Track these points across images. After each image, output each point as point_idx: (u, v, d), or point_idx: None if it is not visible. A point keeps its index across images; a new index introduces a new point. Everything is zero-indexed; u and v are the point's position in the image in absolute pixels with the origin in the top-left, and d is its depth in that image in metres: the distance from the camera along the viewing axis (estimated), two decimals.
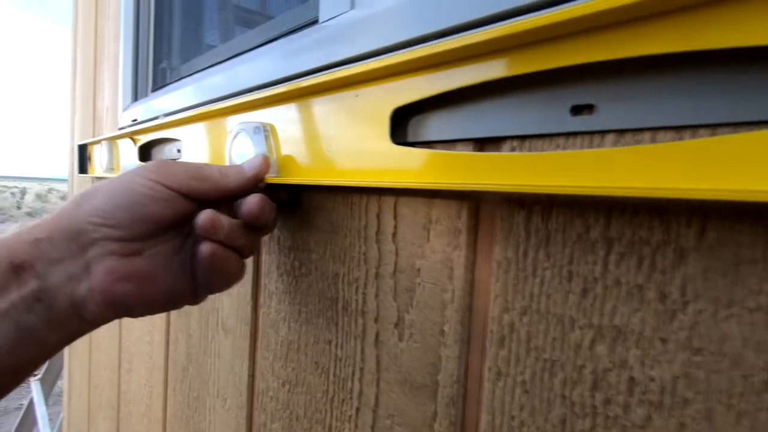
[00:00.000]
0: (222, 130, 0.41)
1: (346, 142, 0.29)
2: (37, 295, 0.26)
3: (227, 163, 0.38)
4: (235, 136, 0.37)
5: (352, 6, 0.30)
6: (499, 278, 0.24)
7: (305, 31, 0.37)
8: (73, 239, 0.27)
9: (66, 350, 1.40)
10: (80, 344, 1.18)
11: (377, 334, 0.31)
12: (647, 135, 0.18)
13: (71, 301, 0.27)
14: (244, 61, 0.46)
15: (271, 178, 0.34)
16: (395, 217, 0.30)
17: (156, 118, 0.57)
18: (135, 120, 0.68)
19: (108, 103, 0.97)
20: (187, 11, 0.73)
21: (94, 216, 0.28)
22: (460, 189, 0.23)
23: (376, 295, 0.32)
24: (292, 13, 0.41)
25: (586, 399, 0.20)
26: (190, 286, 0.32)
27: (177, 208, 0.30)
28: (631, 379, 0.19)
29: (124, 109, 0.76)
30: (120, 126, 0.75)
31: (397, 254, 0.30)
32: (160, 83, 0.74)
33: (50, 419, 1.75)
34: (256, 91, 0.36)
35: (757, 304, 0.16)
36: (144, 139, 0.59)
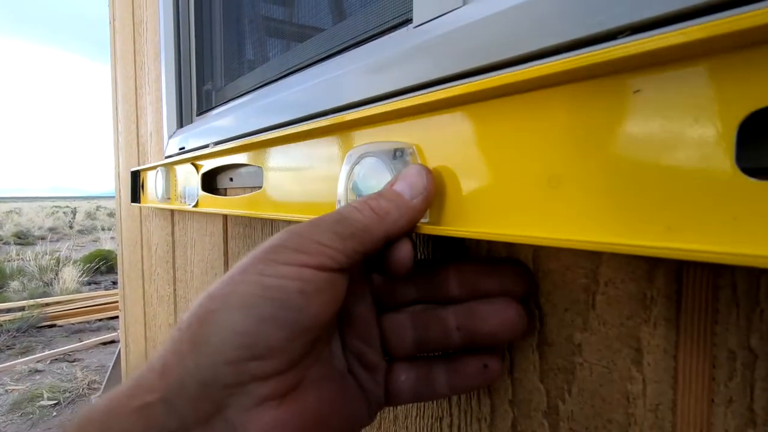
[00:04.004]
0: (327, 155, 0.31)
1: (602, 171, 0.16)
2: None
3: (341, 199, 0.28)
4: (355, 164, 0.26)
5: (465, 1, 0.23)
6: (734, 375, 0.17)
7: (390, 37, 0.31)
8: (202, 396, 0.17)
9: None
10: None
11: (514, 421, 0.25)
12: None
13: None
14: (311, 77, 0.40)
15: (429, 225, 0.22)
16: (537, 272, 0.23)
17: (207, 146, 0.52)
18: (182, 148, 0.64)
19: (152, 128, 0.94)
20: (231, 28, 0.69)
21: (233, 349, 0.17)
22: None
23: (511, 371, 0.25)
24: (372, 14, 0.34)
25: None
26: (364, 403, 0.22)
27: (338, 294, 0.20)
28: None
29: (170, 136, 0.72)
30: (166, 154, 0.71)
31: (541, 321, 0.23)
32: (206, 106, 0.69)
33: None
34: (392, 100, 0.25)
35: None
36: (209, 164, 0.52)
